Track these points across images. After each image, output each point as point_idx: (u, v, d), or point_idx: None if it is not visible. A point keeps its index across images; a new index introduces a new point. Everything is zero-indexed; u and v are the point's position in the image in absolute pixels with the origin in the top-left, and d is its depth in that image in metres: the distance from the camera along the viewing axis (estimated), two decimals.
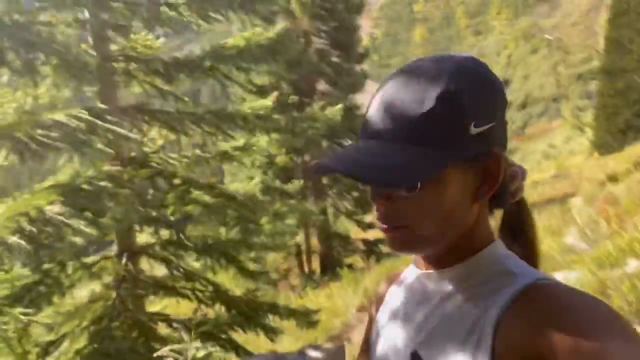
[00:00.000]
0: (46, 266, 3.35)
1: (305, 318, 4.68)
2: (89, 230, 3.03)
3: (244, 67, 4.68)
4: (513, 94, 54.37)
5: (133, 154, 4.31)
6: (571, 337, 0.54)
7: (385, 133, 0.65)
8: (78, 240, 2.92)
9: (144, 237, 4.24)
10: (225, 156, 4.99)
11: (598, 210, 9.70)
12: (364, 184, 0.65)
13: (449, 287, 0.71)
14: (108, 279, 3.89)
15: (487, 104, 0.66)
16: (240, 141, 5.02)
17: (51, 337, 3.32)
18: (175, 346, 2.48)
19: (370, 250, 15.63)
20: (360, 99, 15.57)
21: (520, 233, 0.77)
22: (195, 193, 4.18)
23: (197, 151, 4.76)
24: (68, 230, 2.83)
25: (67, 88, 4.02)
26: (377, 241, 15.09)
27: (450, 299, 0.71)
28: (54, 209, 2.88)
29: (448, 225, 0.67)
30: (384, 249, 14.93)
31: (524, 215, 0.78)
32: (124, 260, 3.94)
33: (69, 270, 3.47)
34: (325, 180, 15.03)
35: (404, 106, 0.64)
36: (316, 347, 3.19)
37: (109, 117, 3.52)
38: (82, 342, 3.32)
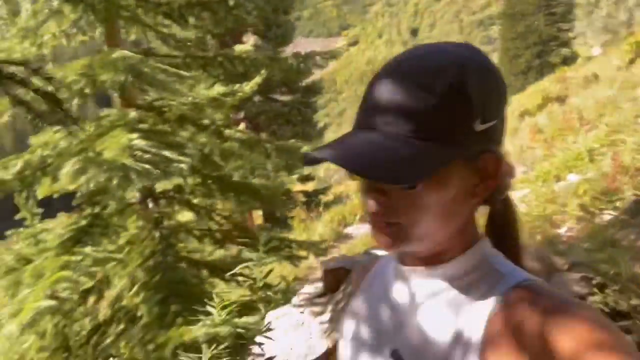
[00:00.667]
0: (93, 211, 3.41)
1: (317, 247, 5.10)
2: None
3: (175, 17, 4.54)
4: (421, 42, 56.56)
5: (148, 98, 4.22)
6: (564, 343, 0.53)
7: (387, 125, 0.61)
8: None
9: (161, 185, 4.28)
10: (216, 103, 5.01)
11: (525, 139, 10.95)
12: (368, 179, 0.62)
13: (436, 285, 0.69)
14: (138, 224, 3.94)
15: (492, 99, 0.63)
16: (229, 87, 5.05)
17: (116, 272, 3.40)
18: (246, 264, 2.70)
19: (311, 201, 16.23)
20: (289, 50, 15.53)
21: (505, 231, 0.76)
22: (227, 131, 4.25)
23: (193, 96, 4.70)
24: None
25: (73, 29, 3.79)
26: (317, 192, 15.73)
27: (437, 298, 0.69)
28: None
29: (443, 223, 0.65)
30: (324, 198, 15.67)
31: (510, 213, 0.76)
32: (150, 206, 4.00)
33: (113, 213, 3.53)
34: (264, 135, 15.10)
35: (410, 98, 0.60)
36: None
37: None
38: (139, 277, 3.46)
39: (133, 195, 4.34)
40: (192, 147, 3.78)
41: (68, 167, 3.01)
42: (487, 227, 0.76)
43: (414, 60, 0.64)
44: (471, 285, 0.67)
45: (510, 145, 11.32)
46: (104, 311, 3.78)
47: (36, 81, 1.92)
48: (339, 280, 3.19)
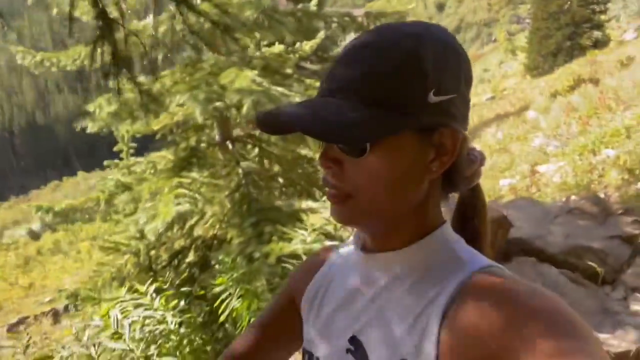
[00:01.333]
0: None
1: None
2: None
3: None
4: (448, 19, 55.61)
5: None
6: (526, 339, 0.52)
7: (341, 90, 0.62)
8: None
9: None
10: (281, 59, 5.27)
11: (558, 117, 11.17)
12: (314, 137, 0.61)
13: (396, 271, 0.68)
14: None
15: (450, 74, 0.63)
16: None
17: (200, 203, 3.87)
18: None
19: None
20: None
21: (470, 219, 0.76)
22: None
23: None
24: None
25: None
26: None
27: (396, 283, 0.68)
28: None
29: (395, 197, 0.64)
30: None
31: (477, 202, 0.76)
32: (230, 147, 4.45)
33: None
34: None
35: (365, 65, 0.61)
36: None
37: None
38: (227, 205, 3.96)
39: (214, 135, 4.78)
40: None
41: (186, 97, 3.42)
42: (455, 215, 0.78)
43: (373, 33, 0.65)
44: (431, 270, 0.66)
45: (543, 122, 11.57)
46: (202, 232, 4.28)
47: (206, 7, 2.25)
48: None
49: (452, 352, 0.58)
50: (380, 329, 0.67)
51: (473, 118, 16.73)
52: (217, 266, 3.62)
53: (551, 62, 24.65)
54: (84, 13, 2.47)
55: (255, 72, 3.45)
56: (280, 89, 3.54)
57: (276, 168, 4.81)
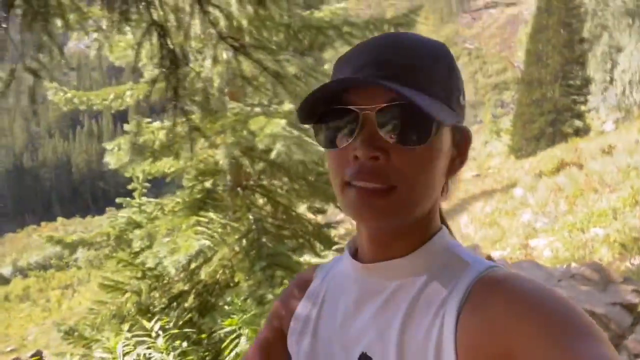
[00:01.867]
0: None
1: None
2: None
3: None
4: None
5: None
6: (536, 335, 0.51)
7: (397, 77, 0.59)
8: None
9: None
10: None
11: (545, 196, 11.61)
12: (420, 111, 0.57)
13: (400, 279, 0.66)
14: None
15: (463, 84, 0.67)
16: None
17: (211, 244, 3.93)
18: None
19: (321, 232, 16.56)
20: None
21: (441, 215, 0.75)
22: None
23: None
24: None
25: None
26: (328, 225, 16.15)
27: (402, 292, 0.65)
28: None
29: (431, 191, 0.63)
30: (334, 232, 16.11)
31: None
32: (241, 193, 4.59)
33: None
34: None
35: (420, 58, 0.61)
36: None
37: None
38: (236, 249, 4.05)
39: (226, 181, 4.93)
40: None
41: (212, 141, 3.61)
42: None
43: (401, 34, 0.66)
44: (437, 275, 0.65)
45: (531, 199, 11.99)
46: (205, 276, 4.31)
47: (260, 55, 2.48)
48: None
49: (469, 352, 0.56)
50: (392, 342, 0.63)
51: (459, 193, 17.20)
52: (225, 307, 3.63)
53: (534, 145, 25.65)
54: (147, 56, 2.68)
55: (284, 121, 3.69)
56: (308, 139, 3.76)
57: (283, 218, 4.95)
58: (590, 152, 14.92)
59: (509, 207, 12.71)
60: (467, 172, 23.83)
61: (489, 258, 3.66)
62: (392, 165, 0.60)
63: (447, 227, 0.74)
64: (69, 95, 4.85)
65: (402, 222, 0.64)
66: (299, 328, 0.76)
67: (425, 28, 73.36)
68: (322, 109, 0.63)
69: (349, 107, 0.61)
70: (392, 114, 0.59)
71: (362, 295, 0.69)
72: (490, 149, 34.08)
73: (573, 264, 4.30)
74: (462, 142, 0.67)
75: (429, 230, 0.68)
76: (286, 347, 0.78)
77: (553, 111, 26.79)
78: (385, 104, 0.59)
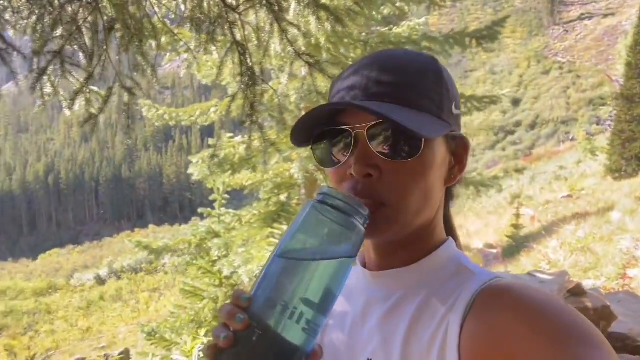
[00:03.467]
0: None
1: None
2: None
3: None
4: (523, 114, 55.49)
5: None
6: (540, 344, 0.51)
7: (385, 96, 0.62)
8: None
9: None
10: None
11: None
12: (405, 129, 0.58)
13: (406, 287, 0.67)
14: None
15: (456, 92, 0.69)
16: None
17: None
18: None
19: None
20: None
21: (449, 225, 0.77)
22: None
23: None
24: None
25: None
26: None
27: (408, 300, 0.66)
28: None
29: (426, 203, 0.65)
30: None
31: (448, 212, 0.77)
32: None
33: None
34: None
35: (407, 74, 0.64)
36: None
37: None
38: None
39: (301, 194, 5.03)
40: None
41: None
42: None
43: (391, 50, 0.71)
44: (442, 284, 0.65)
45: (630, 224, 10.93)
46: None
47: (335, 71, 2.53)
48: None
49: (472, 359, 0.57)
50: (396, 349, 0.64)
51: (547, 214, 16.09)
52: None
53: (635, 165, 23.59)
54: (230, 74, 2.84)
55: None
56: None
57: None
58: None
59: (604, 232, 11.69)
60: (557, 193, 22.32)
61: (579, 287, 3.38)
62: (384, 182, 0.62)
63: (456, 236, 0.76)
64: (160, 112, 5.25)
65: (400, 234, 0.65)
66: None
67: (512, 42, 70.41)
68: (317, 131, 0.66)
69: (341, 127, 0.64)
70: (382, 130, 0.62)
71: (369, 303, 0.70)
72: (584, 168, 31.76)
73: None
74: (459, 150, 0.69)
75: (434, 240, 0.69)
76: None
77: None
78: (374, 122, 0.62)
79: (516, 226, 13.67)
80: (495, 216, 18.80)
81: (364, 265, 0.73)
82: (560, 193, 22.94)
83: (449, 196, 0.75)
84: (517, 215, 13.93)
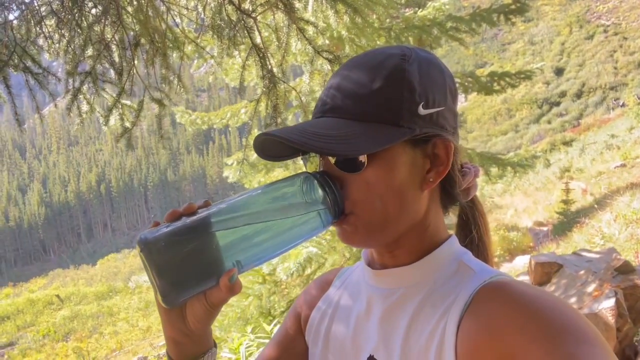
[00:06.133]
0: None
1: None
2: None
3: None
4: (567, 83, 53.03)
5: None
6: (534, 341, 0.52)
7: (335, 110, 0.64)
8: None
9: None
10: None
11: None
12: (310, 151, 0.63)
13: (406, 286, 0.68)
14: None
15: (436, 88, 0.65)
16: None
17: None
18: None
19: None
20: None
21: (471, 232, 0.77)
22: None
23: None
24: None
25: None
26: None
27: (408, 298, 0.67)
28: None
29: (397, 211, 0.64)
30: None
31: (477, 214, 0.77)
32: None
33: None
34: None
35: (355, 85, 0.64)
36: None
37: None
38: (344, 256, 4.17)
39: None
40: None
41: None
42: (457, 229, 0.78)
43: (360, 56, 0.68)
44: (442, 283, 0.66)
45: None
46: None
47: None
48: (549, 273, 3.39)
49: (468, 357, 0.57)
50: (396, 346, 0.65)
51: (600, 186, 15.37)
52: None
53: None
54: (252, 78, 2.88)
55: None
56: None
57: None
58: None
59: None
60: (609, 163, 21.27)
61: (628, 264, 3.23)
62: (346, 194, 0.64)
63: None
64: (192, 116, 5.38)
65: (377, 239, 0.66)
66: (314, 329, 0.80)
67: (550, 9, 67.27)
68: (287, 152, 0.69)
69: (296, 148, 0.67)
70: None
71: (372, 300, 0.72)
72: (637, 135, 30.09)
73: None
74: (438, 151, 0.66)
75: (432, 239, 0.69)
76: (303, 342, 0.82)
77: None
78: None
79: (566, 201, 13.14)
80: (544, 192, 18.13)
81: (369, 264, 0.75)
82: (613, 163, 21.84)
83: (448, 198, 0.72)
84: (567, 190, 13.39)
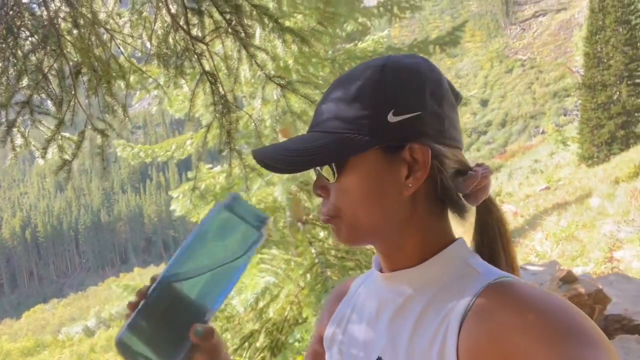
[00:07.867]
0: None
1: None
2: None
3: None
4: (492, 114, 56.71)
5: None
6: (537, 341, 0.52)
7: (318, 125, 0.68)
8: None
9: None
10: None
11: (625, 204, 10.77)
12: (274, 170, 0.67)
13: (412, 288, 0.69)
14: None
15: (411, 93, 0.65)
16: None
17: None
18: None
19: None
20: None
21: (489, 236, 0.76)
22: None
23: None
24: None
25: None
26: None
27: (413, 300, 0.68)
28: None
29: (374, 214, 0.66)
30: None
31: (490, 218, 0.76)
32: (301, 228, 4.63)
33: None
34: None
35: (333, 99, 0.67)
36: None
37: None
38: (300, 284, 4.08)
39: (284, 218, 5.00)
40: None
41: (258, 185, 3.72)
42: (474, 234, 0.78)
43: (349, 72, 0.71)
44: (447, 284, 0.67)
45: (610, 209, 11.16)
46: (273, 314, 4.35)
47: (308, 90, 2.56)
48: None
49: (470, 357, 0.58)
50: (402, 348, 0.66)
51: (529, 208, 16.33)
52: (296, 344, 3.61)
53: (606, 151, 24.24)
54: (203, 105, 2.85)
55: None
56: None
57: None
58: None
59: (586, 219, 11.89)
60: (535, 186, 22.65)
61: (571, 274, 3.42)
62: (330, 201, 0.69)
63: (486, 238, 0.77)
64: (135, 150, 5.20)
65: (364, 241, 0.70)
66: (331, 334, 0.82)
67: (473, 45, 72.27)
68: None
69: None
70: None
71: (382, 303, 0.73)
72: (557, 159, 32.41)
73: None
74: (416, 155, 0.66)
75: (434, 242, 0.70)
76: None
77: (622, 113, 25.40)
78: None
79: None
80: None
81: (380, 269, 0.76)
82: (538, 186, 23.31)
83: (451, 203, 0.72)
84: None
